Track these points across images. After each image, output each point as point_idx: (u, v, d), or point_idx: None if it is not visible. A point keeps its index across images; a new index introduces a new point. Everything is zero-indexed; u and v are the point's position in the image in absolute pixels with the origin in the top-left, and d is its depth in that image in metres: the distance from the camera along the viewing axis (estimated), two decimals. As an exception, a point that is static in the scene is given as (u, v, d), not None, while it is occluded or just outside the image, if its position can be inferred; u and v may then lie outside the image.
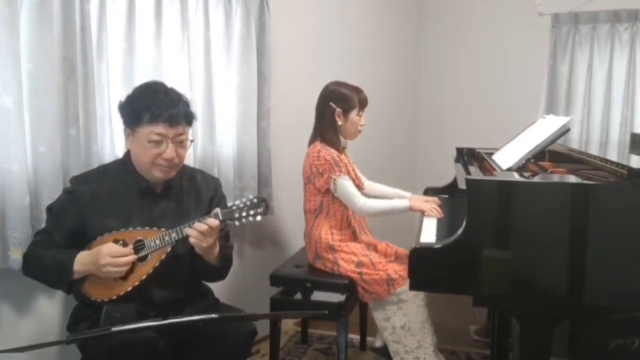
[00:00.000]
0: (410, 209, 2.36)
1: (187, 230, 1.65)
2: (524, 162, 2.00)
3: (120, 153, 1.96)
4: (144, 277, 1.67)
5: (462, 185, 1.89)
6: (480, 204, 1.70)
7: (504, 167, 2.01)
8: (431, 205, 2.37)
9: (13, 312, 1.86)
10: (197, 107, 2.35)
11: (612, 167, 1.78)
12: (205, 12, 2.39)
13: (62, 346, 1.93)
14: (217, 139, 2.50)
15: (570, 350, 2.12)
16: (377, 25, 3.69)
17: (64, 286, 1.68)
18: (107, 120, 2.04)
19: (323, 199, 2.39)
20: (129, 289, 1.66)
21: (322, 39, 3.21)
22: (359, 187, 2.47)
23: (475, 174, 2.08)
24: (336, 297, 2.34)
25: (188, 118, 1.76)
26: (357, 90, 2.44)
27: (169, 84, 1.80)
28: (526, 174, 1.89)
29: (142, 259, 1.68)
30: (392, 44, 3.82)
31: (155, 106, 1.67)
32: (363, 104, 2.44)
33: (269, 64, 2.73)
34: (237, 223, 1.71)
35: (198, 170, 1.98)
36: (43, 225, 1.77)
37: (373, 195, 2.58)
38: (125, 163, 1.79)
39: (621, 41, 3.27)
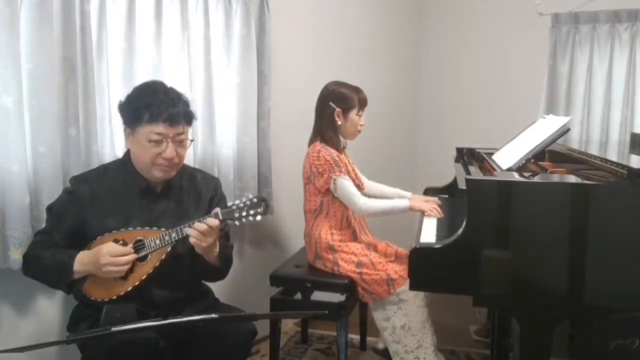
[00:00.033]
0: (411, 209, 2.36)
1: (187, 230, 1.65)
2: (524, 162, 2.00)
3: (120, 153, 1.96)
4: (144, 277, 1.67)
5: (462, 185, 1.89)
6: (480, 204, 1.70)
7: (504, 167, 2.01)
8: (431, 205, 2.37)
9: (13, 312, 1.86)
10: (197, 107, 2.35)
11: (612, 167, 1.78)
12: (205, 12, 2.39)
13: (62, 346, 1.93)
14: (217, 139, 2.50)
15: (570, 350, 2.12)
16: (377, 25, 3.69)
17: (64, 286, 1.68)
18: (107, 120, 2.04)
19: (323, 199, 2.39)
20: (129, 288, 1.66)
21: (322, 39, 3.21)
22: (359, 187, 2.47)
23: (475, 174, 2.08)
24: (336, 297, 2.34)
25: (188, 117, 1.76)
26: (357, 90, 2.44)
27: (169, 84, 1.80)
28: (526, 174, 1.89)
29: (142, 258, 1.68)
30: (392, 44, 3.82)
31: (155, 105, 1.67)
32: (363, 103, 2.44)
33: (269, 64, 2.73)
34: (237, 223, 1.71)
35: (198, 170, 1.99)
36: (43, 225, 1.77)
37: (373, 195, 2.58)
38: (125, 163, 1.79)
39: (621, 41, 3.27)
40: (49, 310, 1.95)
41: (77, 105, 1.90)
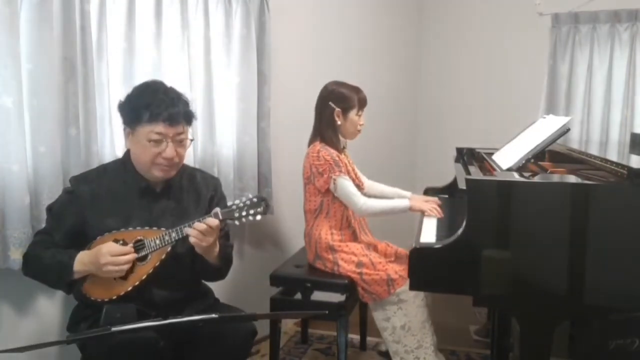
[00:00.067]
0: (411, 209, 2.36)
1: (187, 230, 1.65)
2: (524, 162, 2.00)
3: (120, 153, 1.96)
4: (144, 277, 1.67)
5: (462, 185, 1.89)
6: (480, 204, 1.70)
7: (504, 167, 2.01)
8: (431, 205, 2.37)
9: (13, 312, 1.86)
10: (197, 107, 2.35)
11: (612, 167, 1.78)
12: (205, 12, 2.39)
13: (62, 346, 1.93)
14: (217, 139, 2.50)
15: (570, 350, 2.12)
16: (377, 25, 3.69)
17: (64, 286, 1.68)
18: (107, 120, 2.04)
19: (323, 199, 2.39)
20: (129, 288, 1.66)
21: (322, 39, 3.21)
22: (359, 187, 2.47)
23: (475, 174, 2.08)
24: (336, 297, 2.34)
25: (188, 117, 1.76)
26: (356, 89, 2.44)
27: (169, 84, 1.80)
28: (526, 174, 1.89)
29: (142, 258, 1.68)
30: (392, 44, 3.82)
31: (154, 105, 1.67)
32: (362, 103, 2.44)
33: (269, 64, 2.73)
34: (237, 222, 1.71)
35: (198, 170, 1.99)
36: (43, 225, 1.77)
37: (373, 195, 2.58)
38: (125, 162, 1.79)
39: (621, 41, 3.27)
40: (49, 310, 1.95)
41: (77, 105, 1.90)
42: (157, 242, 1.67)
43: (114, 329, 1.45)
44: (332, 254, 2.35)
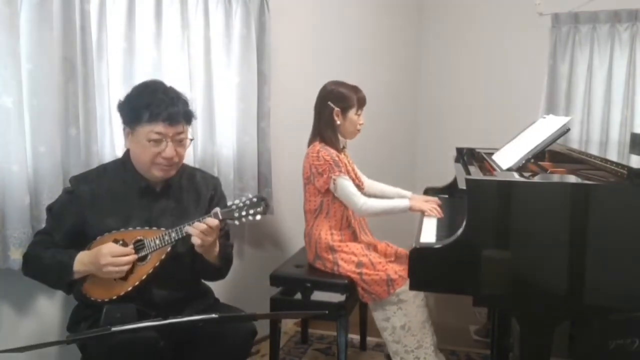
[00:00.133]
0: (411, 209, 2.36)
1: (188, 229, 1.65)
2: (524, 162, 2.00)
3: (120, 153, 1.96)
4: (144, 277, 1.67)
5: (462, 185, 1.89)
6: (480, 204, 1.70)
7: (504, 167, 2.01)
8: (431, 205, 2.37)
9: (13, 312, 1.86)
10: (197, 107, 2.35)
11: (612, 167, 1.78)
12: (205, 12, 2.39)
13: (62, 346, 1.93)
14: (217, 139, 2.50)
15: (570, 350, 2.12)
16: (377, 25, 3.69)
17: (64, 286, 1.68)
18: (107, 120, 2.04)
19: (323, 199, 2.39)
20: (129, 289, 1.66)
21: (322, 39, 3.21)
22: (359, 187, 2.47)
23: (475, 174, 2.08)
24: (336, 297, 2.34)
25: (187, 117, 1.76)
26: (355, 89, 2.44)
27: (169, 83, 1.80)
28: (526, 174, 1.89)
29: (142, 258, 1.68)
30: (392, 44, 3.82)
31: (154, 105, 1.66)
32: (361, 102, 2.44)
33: (269, 64, 2.73)
34: (236, 222, 1.71)
35: (197, 170, 1.99)
36: (43, 225, 1.77)
37: (373, 194, 2.58)
38: (124, 162, 1.79)
39: (621, 41, 3.27)
40: (49, 310, 1.95)
41: (77, 105, 1.90)
42: (157, 242, 1.67)
43: (114, 329, 1.45)
44: (332, 254, 2.35)
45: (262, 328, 2.12)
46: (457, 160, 2.73)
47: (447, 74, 3.95)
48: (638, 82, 3.25)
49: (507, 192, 1.70)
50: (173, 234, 1.67)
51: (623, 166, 1.71)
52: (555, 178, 1.95)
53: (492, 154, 2.38)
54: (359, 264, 2.30)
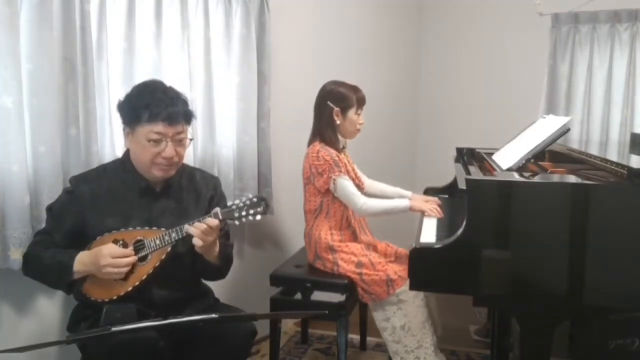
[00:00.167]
0: (411, 209, 2.36)
1: (189, 229, 1.65)
2: (524, 162, 2.00)
3: (120, 153, 1.96)
4: (144, 277, 1.67)
5: (462, 185, 1.89)
6: (480, 204, 1.70)
7: (504, 167, 2.01)
8: (431, 205, 2.37)
9: (13, 312, 1.86)
10: (197, 107, 2.35)
11: (612, 167, 1.78)
12: (205, 12, 2.39)
13: (62, 346, 1.93)
14: (217, 138, 2.50)
15: (570, 350, 2.12)
16: (377, 25, 3.69)
17: (64, 286, 1.68)
18: (107, 120, 2.04)
19: (323, 199, 2.39)
20: (129, 289, 1.66)
21: (322, 39, 3.21)
22: (359, 186, 2.47)
23: (475, 174, 2.08)
24: (336, 297, 2.34)
25: (187, 116, 1.76)
26: (355, 89, 2.44)
27: (169, 83, 1.80)
28: (526, 174, 1.89)
29: (142, 259, 1.68)
30: (392, 44, 3.82)
31: (154, 105, 1.66)
32: (361, 102, 2.44)
33: (269, 64, 2.73)
34: (236, 222, 1.71)
35: (197, 169, 1.99)
36: (43, 225, 1.77)
37: (374, 194, 2.58)
38: (124, 162, 1.79)
39: (621, 41, 3.27)
40: (49, 310, 1.95)
41: (77, 105, 1.90)
42: (157, 242, 1.67)
43: (114, 329, 1.45)
44: (331, 254, 2.35)
45: (262, 328, 2.12)
46: (457, 160, 2.73)
47: (447, 74, 3.95)
48: (638, 82, 3.25)
49: (507, 192, 1.70)
50: (173, 234, 1.67)
51: (623, 166, 1.71)
52: (555, 178, 1.95)
53: (492, 154, 2.38)
54: (359, 264, 2.30)
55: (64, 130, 1.89)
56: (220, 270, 1.88)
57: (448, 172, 2.76)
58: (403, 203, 2.39)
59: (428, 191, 2.81)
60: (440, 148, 3.72)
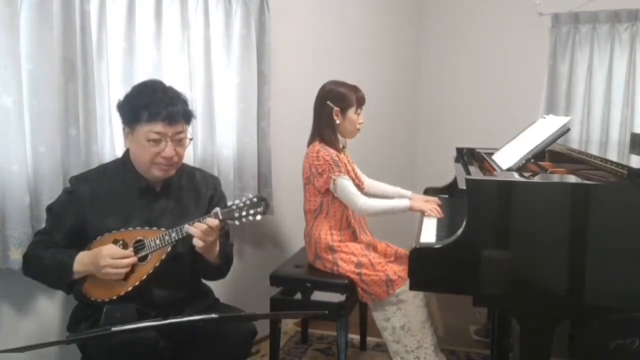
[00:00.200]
0: (411, 209, 2.36)
1: (189, 229, 1.65)
2: (524, 162, 2.00)
3: (120, 153, 1.96)
4: (144, 277, 1.67)
5: (462, 185, 1.89)
6: (480, 204, 1.70)
7: (504, 167, 2.01)
8: (431, 205, 2.37)
9: (13, 312, 1.86)
10: (197, 107, 2.35)
11: (612, 167, 1.78)
12: (205, 12, 2.39)
13: (62, 346, 1.93)
14: (217, 138, 2.50)
15: (570, 350, 2.12)
16: (377, 25, 3.69)
17: (64, 286, 1.68)
18: (107, 120, 2.04)
19: (323, 199, 2.39)
20: (129, 289, 1.66)
21: (322, 39, 3.21)
22: (359, 186, 2.47)
23: (475, 174, 2.08)
24: (336, 297, 2.34)
25: (187, 116, 1.75)
26: (354, 88, 2.44)
27: (169, 83, 1.80)
28: (526, 174, 1.89)
29: (142, 259, 1.68)
30: (392, 44, 3.82)
31: (153, 105, 1.66)
32: (361, 102, 2.44)
33: (269, 64, 2.73)
34: (237, 222, 1.71)
35: (197, 169, 1.98)
36: (43, 225, 1.77)
37: (374, 194, 2.58)
38: (124, 162, 1.79)
39: (621, 41, 3.27)
40: (49, 310, 1.95)
41: (77, 105, 1.90)
42: (157, 242, 1.67)
43: (114, 329, 1.45)
44: (331, 254, 2.35)
45: (262, 328, 2.12)
46: (457, 160, 2.73)
47: (447, 74, 3.95)
48: (638, 82, 3.25)
49: (507, 192, 1.70)
50: (173, 234, 1.67)
51: (623, 166, 1.71)
52: (555, 178, 1.95)
53: (492, 154, 2.38)
54: (359, 264, 2.30)
55: (64, 130, 1.89)
56: (220, 270, 1.88)
57: (448, 172, 2.76)
58: (403, 203, 2.39)
59: (428, 191, 2.81)
60: (440, 148, 3.72)
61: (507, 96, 3.69)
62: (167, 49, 2.23)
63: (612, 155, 2.31)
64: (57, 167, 1.84)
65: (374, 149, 3.48)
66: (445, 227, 2.17)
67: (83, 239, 1.69)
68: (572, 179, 1.76)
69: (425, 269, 1.74)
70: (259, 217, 1.70)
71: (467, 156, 2.74)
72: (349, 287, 2.30)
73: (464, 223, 1.70)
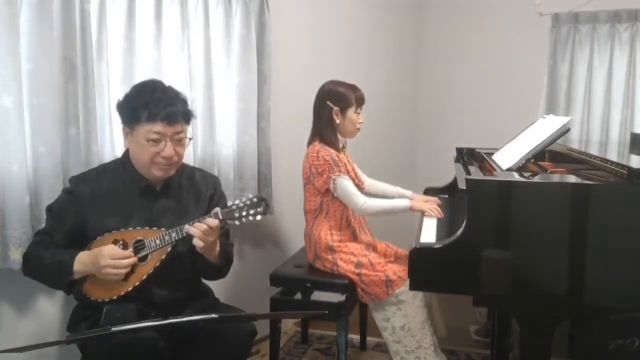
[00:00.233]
0: (411, 209, 2.36)
1: (189, 229, 1.65)
2: (524, 162, 2.00)
3: (120, 153, 1.96)
4: (144, 277, 1.67)
5: (462, 185, 1.89)
6: (480, 204, 1.70)
7: (504, 167, 2.01)
8: (431, 205, 2.37)
9: (13, 312, 1.85)
10: (197, 107, 2.35)
11: (612, 167, 1.78)
12: (205, 12, 2.39)
13: (62, 346, 1.93)
14: (217, 138, 2.50)
15: (570, 350, 2.12)
16: (377, 25, 3.69)
17: (64, 286, 1.68)
18: (107, 120, 2.04)
19: (323, 199, 2.39)
20: (130, 289, 1.66)
21: (322, 39, 3.21)
22: (359, 186, 2.47)
23: (475, 174, 2.08)
24: (336, 297, 2.34)
25: (186, 116, 1.75)
26: (353, 88, 2.44)
27: (169, 83, 1.80)
28: (526, 174, 1.89)
29: (143, 259, 1.68)
30: (392, 43, 3.82)
31: (153, 104, 1.66)
32: (360, 101, 2.44)
33: (269, 64, 2.73)
34: (237, 222, 1.71)
35: (197, 169, 1.98)
36: (43, 225, 1.77)
37: (374, 193, 2.58)
38: (124, 162, 1.79)
39: (621, 41, 3.27)
40: (49, 310, 1.95)
41: (77, 105, 1.90)
42: (157, 242, 1.67)
43: (114, 329, 1.45)
44: (331, 254, 2.35)
45: (262, 328, 2.12)
46: (457, 160, 2.73)
47: (447, 74, 3.96)
48: (638, 82, 3.25)
49: (507, 192, 1.70)
50: (173, 234, 1.67)
51: (623, 166, 1.71)
52: (555, 178, 1.95)
53: (492, 154, 2.38)
54: (358, 265, 2.30)
55: (64, 130, 1.88)
56: (220, 270, 1.88)
57: (448, 172, 2.76)
58: (403, 203, 2.39)
59: (428, 191, 2.81)
60: (440, 148, 3.72)
61: (507, 96, 3.69)
62: (167, 49, 2.23)
63: (612, 155, 2.31)
64: (57, 167, 1.84)
65: (373, 149, 3.48)
66: (445, 227, 2.17)
67: (83, 239, 1.69)
68: (572, 179, 1.76)
69: (425, 269, 1.74)
70: (259, 217, 1.70)
71: (467, 156, 2.74)
72: (349, 287, 2.30)
73: (464, 223, 1.70)
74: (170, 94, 1.72)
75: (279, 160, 2.86)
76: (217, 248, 1.77)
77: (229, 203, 1.73)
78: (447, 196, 2.69)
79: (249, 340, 1.78)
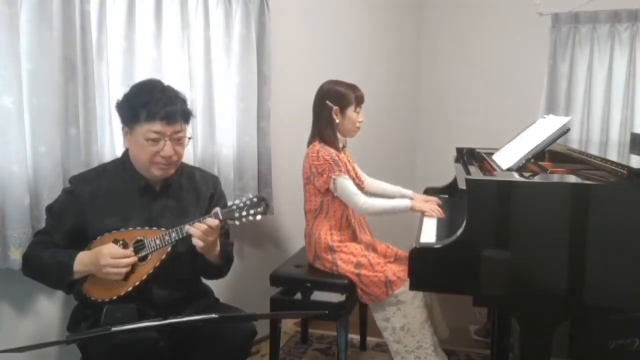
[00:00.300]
0: (412, 209, 2.36)
1: (189, 229, 1.65)
2: (524, 162, 2.00)
3: (120, 153, 1.96)
4: (144, 277, 1.67)
5: (462, 185, 1.89)
6: (480, 204, 1.70)
7: (504, 167, 2.01)
8: (432, 205, 2.37)
9: (13, 312, 1.85)
10: (197, 107, 2.35)
11: (612, 167, 1.78)
12: (205, 12, 2.39)
13: (62, 346, 1.93)
14: (217, 138, 2.50)
15: (570, 350, 2.13)
16: (377, 25, 3.69)
17: (64, 286, 1.68)
18: (107, 120, 2.04)
19: (323, 199, 2.39)
20: (130, 289, 1.65)
21: (322, 39, 3.21)
22: (359, 186, 2.47)
23: (475, 174, 2.08)
24: (336, 297, 2.34)
25: (185, 115, 1.75)
26: (353, 87, 2.44)
27: (169, 83, 1.80)
28: (526, 174, 1.90)
29: (143, 258, 1.68)
30: (392, 43, 3.82)
31: (152, 104, 1.66)
32: (359, 100, 2.44)
33: (269, 64, 2.73)
34: (237, 222, 1.71)
35: (197, 168, 1.99)
36: (43, 225, 1.77)
37: (374, 193, 2.58)
38: (124, 162, 1.79)
39: (621, 41, 3.27)
40: (49, 310, 1.95)
41: (77, 105, 1.90)
42: (157, 242, 1.67)
43: (114, 329, 1.45)
44: (331, 254, 2.35)
45: (262, 328, 2.12)
46: (457, 160, 2.74)
47: (447, 74, 3.96)
48: (638, 82, 3.25)
49: (507, 192, 1.70)
50: (173, 234, 1.67)
51: (623, 166, 1.71)
52: (555, 178, 1.95)
53: (492, 154, 2.38)
54: (358, 265, 2.30)
55: (64, 130, 1.88)
56: (220, 270, 1.88)
57: (448, 172, 2.76)
58: (404, 203, 2.39)
59: (428, 191, 2.81)
60: (440, 148, 3.72)
61: (507, 96, 3.69)
62: (167, 49, 2.23)
63: (612, 155, 2.31)
64: (57, 167, 1.84)
65: (373, 149, 3.48)
66: (445, 227, 2.17)
67: (83, 239, 1.69)
68: (572, 179, 1.76)
69: (425, 269, 1.74)
70: (259, 217, 1.70)
71: (467, 156, 2.74)
72: (349, 287, 2.30)
73: (464, 223, 1.70)
74: (169, 94, 1.72)
75: (279, 160, 2.86)
76: (217, 248, 1.78)
77: (229, 203, 1.73)
78: (447, 196, 2.69)
79: (249, 340, 1.78)
